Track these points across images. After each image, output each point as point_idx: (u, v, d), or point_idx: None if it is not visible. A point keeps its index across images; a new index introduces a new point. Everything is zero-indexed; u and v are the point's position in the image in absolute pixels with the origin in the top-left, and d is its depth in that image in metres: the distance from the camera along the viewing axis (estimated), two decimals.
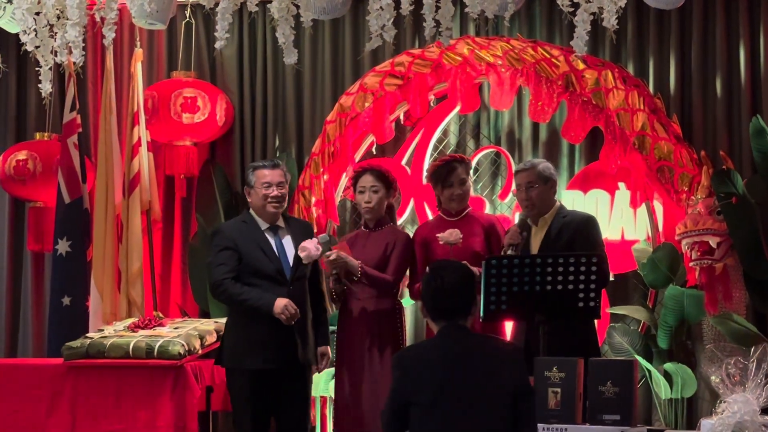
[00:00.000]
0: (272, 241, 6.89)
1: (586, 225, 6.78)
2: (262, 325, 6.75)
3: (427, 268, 5.24)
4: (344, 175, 8.58)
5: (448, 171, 7.07)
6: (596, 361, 6.20)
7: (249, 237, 6.86)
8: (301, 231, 6.97)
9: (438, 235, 6.94)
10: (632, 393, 6.05)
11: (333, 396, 7.20)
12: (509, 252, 6.62)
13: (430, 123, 8.70)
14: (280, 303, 6.68)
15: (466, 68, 8.39)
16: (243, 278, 6.80)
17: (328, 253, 6.83)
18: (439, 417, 4.85)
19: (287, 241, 6.91)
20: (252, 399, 6.80)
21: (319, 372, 7.16)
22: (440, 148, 8.69)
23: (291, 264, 6.84)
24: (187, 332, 7.73)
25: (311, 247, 6.76)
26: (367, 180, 7.04)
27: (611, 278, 7.57)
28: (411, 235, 7.22)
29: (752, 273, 7.79)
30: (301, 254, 6.76)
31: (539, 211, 6.83)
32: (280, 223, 6.96)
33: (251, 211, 6.98)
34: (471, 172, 7.25)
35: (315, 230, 7.86)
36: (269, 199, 6.89)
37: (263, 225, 6.92)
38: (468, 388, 4.86)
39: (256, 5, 6.80)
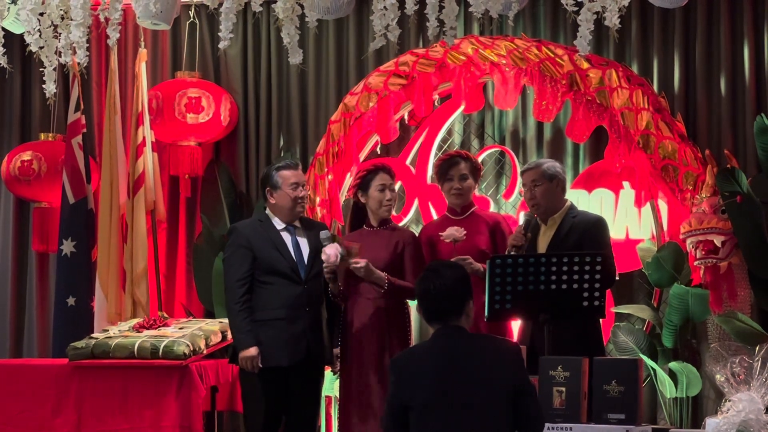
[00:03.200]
0: (288, 240, 6.92)
1: (595, 226, 6.77)
2: (276, 324, 6.78)
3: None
4: (348, 174, 8.58)
5: (450, 165, 7.13)
6: (601, 360, 6.19)
7: (264, 236, 6.90)
8: (317, 232, 6.97)
9: (441, 234, 6.96)
10: (637, 392, 6.04)
11: (338, 395, 7.20)
12: (512, 253, 6.62)
13: (434, 122, 8.70)
14: (250, 352, 6.75)
15: (471, 68, 8.39)
16: (258, 276, 6.83)
17: (354, 260, 6.80)
18: (436, 419, 4.83)
19: (303, 241, 6.94)
20: (265, 397, 6.83)
21: (334, 373, 7.17)
22: (444, 147, 8.69)
23: (306, 263, 6.87)
24: (192, 332, 7.74)
25: (332, 252, 6.75)
26: (385, 178, 7.06)
27: (617, 278, 7.59)
28: (417, 234, 7.24)
29: (757, 272, 7.79)
30: (323, 257, 6.76)
31: (546, 210, 6.83)
32: (296, 222, 6.98)
33: (267, 211, 7.00)
34: (478, 172, 7.23)
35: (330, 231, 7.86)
36: (299, 200, 6.91)
37: (279, 225, 6.95)
38: (464, 389, 4.84)
39: (261, 5, 6.80)
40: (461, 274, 5.04)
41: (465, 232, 6.92)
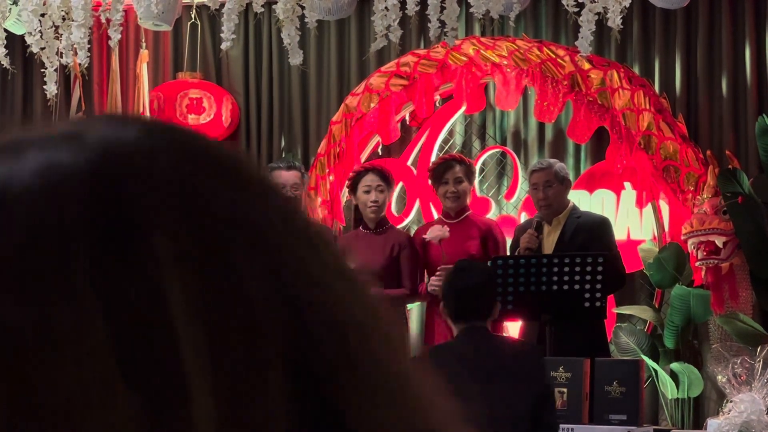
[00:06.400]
0: None
1: (600, 227, 6.81)
2: None
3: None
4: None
5: (444, 168, 7.13)
6: (603, 361, 6.20)
7: None
8: None
9: (424, 236, 6.97)
10: (639, 393, 6.04)
11: None
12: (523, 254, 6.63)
13: (435, 123, 8.70)
14: None
15: (472, 68, 8.39)
16: None
17: None
18: None
19: None
20: None
21: None
22: (446, 148, 8.69)
23: None
24: None
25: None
26: (372, 179, 7.05)
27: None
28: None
29: (759, 272, 7.78)
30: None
31: (554, 211, 6.86)
32: None
33: None
34: (473, 175, 7.23)
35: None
36: None
37: None
38: (487, 389, 4.82)
39: (262, 6, 6.81)
40: (489, 275, 5.02)
41: (449, 229, 6.93)
